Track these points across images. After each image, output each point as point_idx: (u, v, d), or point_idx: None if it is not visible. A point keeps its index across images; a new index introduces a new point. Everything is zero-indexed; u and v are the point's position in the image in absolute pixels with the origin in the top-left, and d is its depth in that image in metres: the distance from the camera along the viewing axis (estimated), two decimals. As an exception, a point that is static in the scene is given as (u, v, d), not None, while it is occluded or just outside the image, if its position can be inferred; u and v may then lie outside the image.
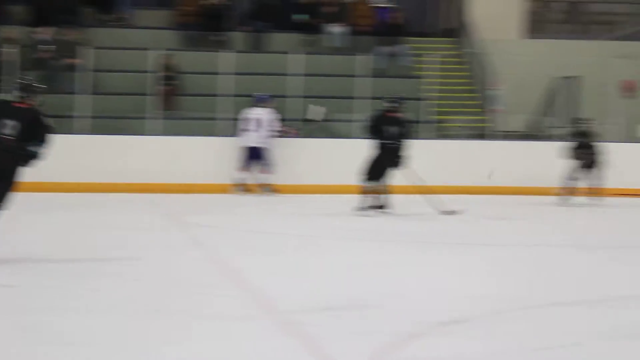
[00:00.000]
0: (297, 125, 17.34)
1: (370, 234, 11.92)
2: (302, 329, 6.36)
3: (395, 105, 13.86)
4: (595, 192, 16.04)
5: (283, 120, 16.84)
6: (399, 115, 13.82)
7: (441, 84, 19.15)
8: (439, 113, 18.66)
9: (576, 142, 16.20)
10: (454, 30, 21.50)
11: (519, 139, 18.55)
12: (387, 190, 13.61)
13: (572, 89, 19.35)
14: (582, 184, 16.11)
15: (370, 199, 13.55)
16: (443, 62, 19.46)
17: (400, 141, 13.58)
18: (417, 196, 13.79)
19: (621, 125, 18.37)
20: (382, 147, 13.58)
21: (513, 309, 7.28)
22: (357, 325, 6.51)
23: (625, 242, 11.82)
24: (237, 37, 19.80)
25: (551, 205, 15.70)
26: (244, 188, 16.51)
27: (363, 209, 13.48)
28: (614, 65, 18.77)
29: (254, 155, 16.49)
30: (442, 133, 18.51)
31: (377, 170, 13.52)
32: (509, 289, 8.18)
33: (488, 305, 7.35)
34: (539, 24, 22.96)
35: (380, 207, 13.56)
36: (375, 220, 13.15)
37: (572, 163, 16.05)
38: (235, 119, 16.85)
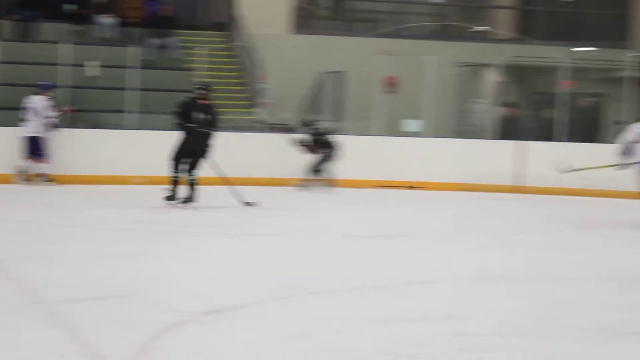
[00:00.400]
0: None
1: (148, 225, 11.82)
2: (67, 318, 6.27)
3: (204, 92, 13.55)
4: (331, 182, 16.74)
5: (57, 109, 16.48)
6: (208, 102, 13.51)
7: (211, 76, 19.17)
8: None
9: (312, 136, 16.85)
10: (224, 24, 21.59)
11: (287, 131, 18.83)
12: (194, 181, 13.32)
13: (338, 84, 19.79)
14: (324, 175, 16.81)
15: (174, 189, 13.25)
16: (213, 56, 19.52)
17: (208, 129, 13.29)
18: (219, 187, 13.73)
19: (385, 119, 18.80)
20: (190, 134, 13.26)
21: (279, 297, 7.39)
22: (122, 315, 6.48)
23: (383, 231, 12.18)
24: (5, 25, 19.25)
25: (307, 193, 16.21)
26: (26, 177, 16.08)
27: (172, 198, 13.19)
28: (377, 62, 19.20)
29: (32, 144, 16.07)
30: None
31: (183, 158, 13.26)
32: (276, 277, 8.30)
33: (255, 294, 7.44)
34: (306, 20, 23.30)
35: (187, 198, 13.30)
36: (166, 210, 13.05)
37: (311, 155, 16.77)
38: (5, 109, 16.46)
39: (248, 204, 13.44)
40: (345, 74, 19.63)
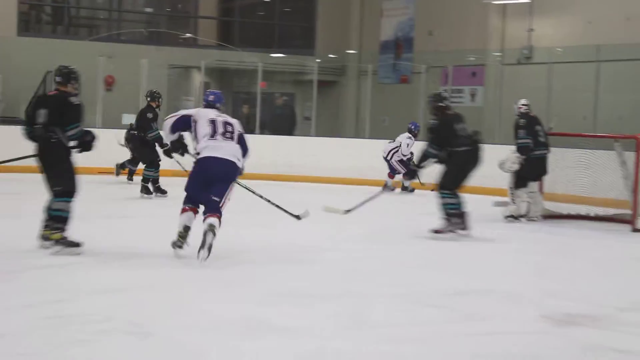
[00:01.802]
0: None
1: None
2: None
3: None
4: None
5: None
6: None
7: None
8: None
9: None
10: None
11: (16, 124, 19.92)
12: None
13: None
14: None
15: None
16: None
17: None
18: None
19: (108, 114, 19.69)
20: None
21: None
22: None
23: (102, 213, 12.28)
24: None
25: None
26: None
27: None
28: (97, 63, 20.15)
29: None
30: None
31: None
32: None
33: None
34: (31, 24, 23.94)
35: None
36: None
37: None
38: None
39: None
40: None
